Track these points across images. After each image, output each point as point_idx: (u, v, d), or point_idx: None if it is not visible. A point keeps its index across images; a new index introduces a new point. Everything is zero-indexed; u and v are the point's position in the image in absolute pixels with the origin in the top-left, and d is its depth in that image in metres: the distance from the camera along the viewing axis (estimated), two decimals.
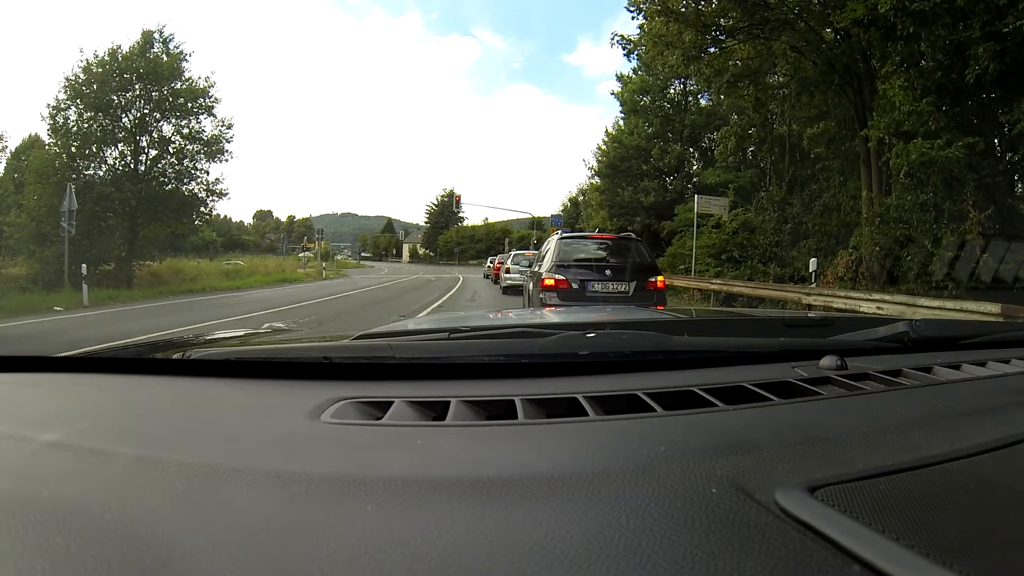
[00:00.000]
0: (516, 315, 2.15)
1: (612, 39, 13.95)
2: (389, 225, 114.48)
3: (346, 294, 15.03)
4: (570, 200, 41.58)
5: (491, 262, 25.02)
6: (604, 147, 25.11)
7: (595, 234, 7.02)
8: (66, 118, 15.08)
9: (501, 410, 0.57)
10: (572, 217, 35.38)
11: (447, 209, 68.00)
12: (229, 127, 17.01)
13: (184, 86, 16.25)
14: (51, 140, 15.40)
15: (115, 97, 15.37)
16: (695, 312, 2.46)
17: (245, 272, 24.38)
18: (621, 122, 24.49)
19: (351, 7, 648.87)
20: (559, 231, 8.37)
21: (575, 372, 0.71)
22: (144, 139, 15.99)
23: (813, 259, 9.59)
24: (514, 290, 13.75)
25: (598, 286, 5.58)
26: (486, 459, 0.45)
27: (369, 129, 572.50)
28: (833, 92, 11.55)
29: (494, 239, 55.38)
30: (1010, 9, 6.98)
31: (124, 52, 15.42)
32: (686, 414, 0.56)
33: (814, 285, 8.98)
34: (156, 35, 15.98)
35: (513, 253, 18.27)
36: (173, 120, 16.28)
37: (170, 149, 16.30)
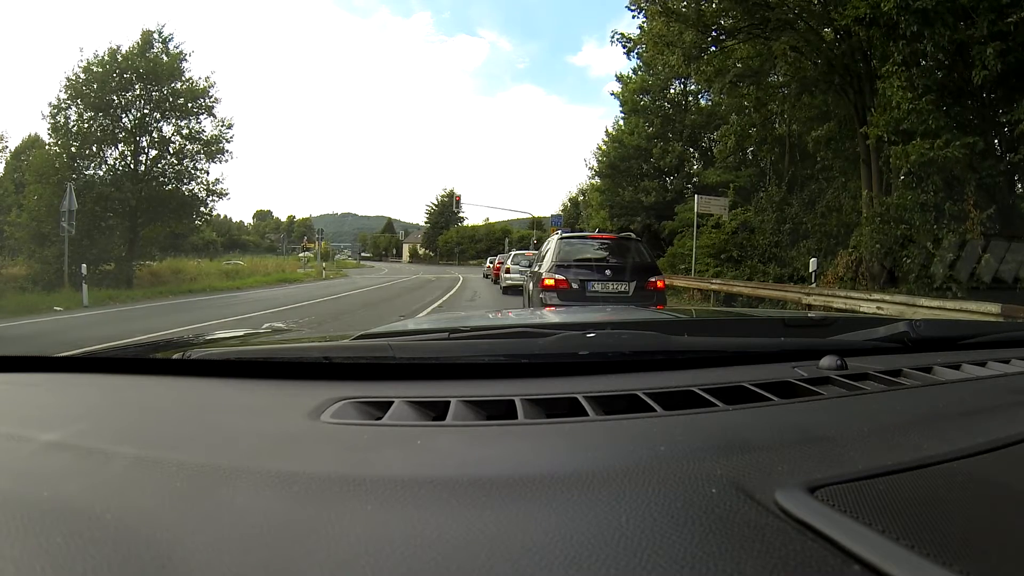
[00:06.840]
0: (516, 315, 2.15)
1: (612, 37, 13.97)
2: (389, 225, 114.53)
3: (346, 294, 15.01)
4: (570, 200, 41.63)
5: (491, 262, 25.01)
6: (604, 147, 25.10)
7: (595, 234, 7.02)
8: (66, 118, 15.10)
9: (501, 410, 0.57)
10: (572, 217, 35.35)
11: (447, 209, 67.97)
12: (229, 127, 17.08)
13: (184, 86, 16.27)
14: (51, 140, 15.43)
15: (115, 97, 15.38)
16: (695, 312, 2.45)
17: (245, 272, 24.39)
18: (621, 122, 24.49)
19: (356, 8, 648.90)
20: (559, 231, 8.37)
21: (575, 372, 0.71)
22: (144, 139, 16.02)
23: (813, 259, 9.59)
24: (514, 290, 13.74)
25: (598, 286, 5.59)
26: (486, 459, 0.45)
27: (370, 129, 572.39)
28: (833, 92, 11.54)
29: (494, 239, 55.35)
30: (1012, 8, 6.98)
31: (124, 52, 15.43)
32: (686, 414, 0.56)
33: (814, 285, 8.98)
34: (156, 35, 16.01)
35: (513, 253, 18.22)
36: (173, 120, 16.31)
37: (170, 149, 16.32)
